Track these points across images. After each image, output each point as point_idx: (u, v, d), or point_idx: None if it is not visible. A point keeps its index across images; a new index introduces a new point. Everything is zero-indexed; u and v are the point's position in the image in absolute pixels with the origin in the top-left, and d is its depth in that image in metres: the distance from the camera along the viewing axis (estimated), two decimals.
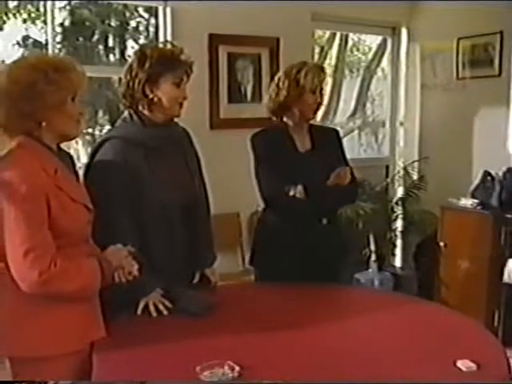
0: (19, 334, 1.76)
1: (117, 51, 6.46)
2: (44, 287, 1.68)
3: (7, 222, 1.68)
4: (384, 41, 5.57)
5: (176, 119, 2.35)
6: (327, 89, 2.74)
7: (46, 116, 1.75)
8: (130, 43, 6.43)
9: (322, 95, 2.63)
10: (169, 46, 2.30)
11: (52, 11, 3.81)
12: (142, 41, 6.37)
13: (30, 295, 1.70)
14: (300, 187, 2.50)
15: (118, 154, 2.18)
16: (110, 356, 1.77)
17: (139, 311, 2.09)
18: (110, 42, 6.39)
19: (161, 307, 2.09)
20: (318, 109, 2.65)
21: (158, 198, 2.19)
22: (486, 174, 4.27)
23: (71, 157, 1.95)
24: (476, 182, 4.33)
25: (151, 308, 2.09)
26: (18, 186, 1.67)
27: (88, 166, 2.23)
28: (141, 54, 2.22)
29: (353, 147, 5.95)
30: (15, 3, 5.39)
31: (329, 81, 2.49)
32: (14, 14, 5.53)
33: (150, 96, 2.21)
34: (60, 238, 1.74)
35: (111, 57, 6.39)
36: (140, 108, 2.25)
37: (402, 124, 5.26)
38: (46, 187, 1.71)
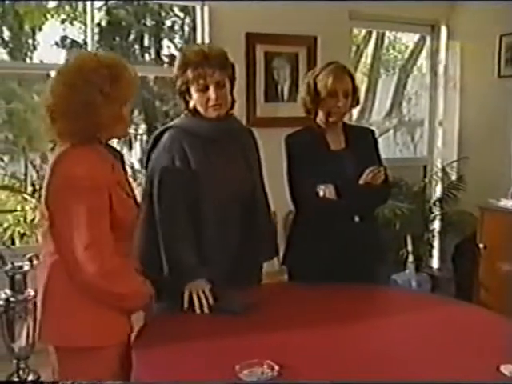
0: (70, 323, 1.79)
1: (152, 51, 6.53)
2: (103, 280, 1.73)
3: (67, 216, 1.72)
4: (421, 39, 5.50)
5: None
6: (359, 90, 2.66)
7: (102, 127, 1.81)
8: (166, 43, 6.49)
9: (346, 98, 2.55)
10: (192, 49, 2.35)
11: (92, 12, 3.85)
12: (177, 40, 6.43)
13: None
14: (331, 187, 2.48)
15: (176, 141, 2.28)
16: (149, 353, 1.78)
17: (185, 302, 2.11)
18: (146, 42, 6.46)
19: (203, 301, 2.10)
20: (340, 112, 2.57)
21: (212, 186, 2.25)
22: None
23: (121, 154, 2.00)
24: None
25: (196, 303, 2.10)
26: (83, 181, 1.72)
27: (149, 153, 2.35)
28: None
29: (388, 147, 5.91)
30: (54, 4, 5.48)
31: (359, 81, 2.47)
32: (53, 15, 5.63)
33: (188, 100, 2.32)
34: (117, 230, 1.79)
35: (146, 56, 6.46)
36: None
37: (440, 124, 5.19)
38: (107, 181, 1.77)
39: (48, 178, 1.81)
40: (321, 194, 2.48)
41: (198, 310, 2.09)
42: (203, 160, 2.27)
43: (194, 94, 2.29)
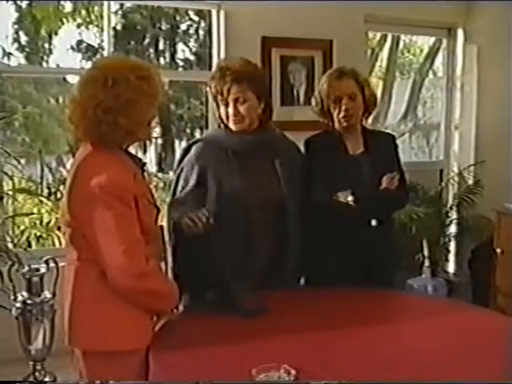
0: (100, 327, 1.81)
1: (167, 54, 6.56)
2: (143, 281, 1.77)
3: (97, 224, 1.74)
4: (436, 42, 5.47)
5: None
6: (370, 94, 2.64)
7: (139, 128, 1.84)
8: (180, 46, 6.52)
9: (353, 100, 2.55)
10: (220, 63, 2.46)
11: (108, 16, 3.86)
12: (192, 44, 6.45)
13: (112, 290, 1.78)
14: (350, 195, 2.47)
15: (203, 154, 2.38)
16: (166, 356, 1.79)
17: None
18: (161, 46, 6.49)
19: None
20: (349, 115, 2.55)
21: (235, 196, 2.29)
22: None
23: (144, 163, 1.99)
24: None
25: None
26: (112, 189, 1.73)
27: (179, 165, 2.44)
28: None
29: (404, 151, 5.86)
30: (70, 8, 5.52)
31: (374, 85, 2.46)
32: (69, 20, 5.67)
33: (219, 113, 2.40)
34: (143, 235, 1.82)
35: (161, 60, 6.48)
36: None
37: (457, 128, 5.15)
38: (133, 188, 1.79)
39: (70, 182, 1.82)
40: (341, 199, 2.47)
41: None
42: (227, 172, 2.32)
43: (220, 107, 2.37)
